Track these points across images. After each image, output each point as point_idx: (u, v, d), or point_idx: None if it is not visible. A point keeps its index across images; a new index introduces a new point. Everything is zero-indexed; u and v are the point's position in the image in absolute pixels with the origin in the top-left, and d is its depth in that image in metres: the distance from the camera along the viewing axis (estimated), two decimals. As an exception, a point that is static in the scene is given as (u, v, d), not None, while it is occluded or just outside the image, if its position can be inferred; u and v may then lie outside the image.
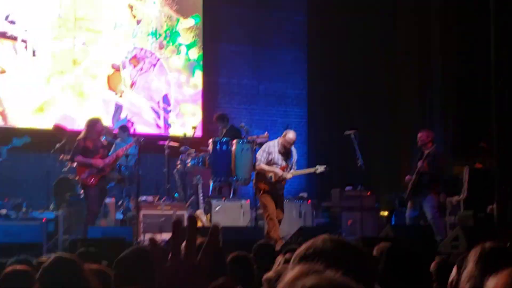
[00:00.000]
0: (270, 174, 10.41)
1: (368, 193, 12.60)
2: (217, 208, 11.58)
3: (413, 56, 14.91)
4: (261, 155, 10.58)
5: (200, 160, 12.83)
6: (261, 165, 10.51)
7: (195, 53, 14.83)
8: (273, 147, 10.47)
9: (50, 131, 12.92)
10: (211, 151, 12.76)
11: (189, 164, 12.78)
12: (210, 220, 11.34)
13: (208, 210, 11.55)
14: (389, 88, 15.34)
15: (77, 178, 10.66)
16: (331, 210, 12.97)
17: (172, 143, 13.23)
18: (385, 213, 13.23)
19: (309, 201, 12.43)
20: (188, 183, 13.10)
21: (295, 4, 16.07)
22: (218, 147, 12.68)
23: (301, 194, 13.34)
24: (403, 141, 12.01)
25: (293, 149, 10.62)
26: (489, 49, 10.23)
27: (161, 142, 13.32)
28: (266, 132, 13.69)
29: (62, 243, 10.58)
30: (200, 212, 11.25)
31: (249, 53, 15.58)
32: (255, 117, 15.46)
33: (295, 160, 10.58)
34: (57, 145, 12.09)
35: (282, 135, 10.58)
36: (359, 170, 10.88)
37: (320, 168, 10.63)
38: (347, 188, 12.92)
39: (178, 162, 12.97)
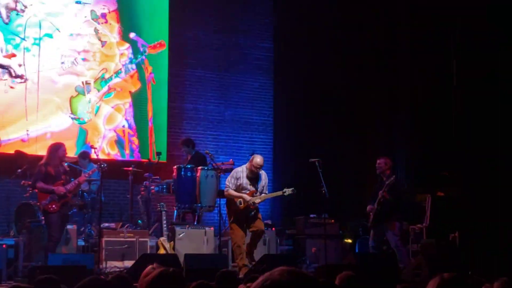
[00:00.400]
0: (239, 200, 10.39)
1: (332, 221, 12.64)
2: (180, 235, 11.50)
3: (378, 83, 15.01)
4: (229, 181, 10.58)
5: (164, 187, 12.78)
6: (230, 191, 10.52)
7: (161, 78, 14.77)
8: (241, 172, 10.47)
9: (11, 156, 12.77)
10: (175, 177, 12.72)
11: (153, 191, 12.73)
12: (174, 248, 11.25)
13: (171, 237, 11.46)
14: (354, 116, 15.43)
15: (38, 204, 10.52)
16: (295, 237, 12.96)
17: (136, 169, 13.17)
18: (349, 241, 13.25)
19: (274, 228, 12.40)
20: (151, 210, 13.02)
21: (261, 31, 16.13)
22: (182, 173, 12.64)
23: (265, 222, 13.28)
24: (368, 169, 12.05)
25: (263, 173, 10.61)
26: (452, 80, 10.40)
27: (125, 168, 13.26)
28: (231, 159, 13.73)
29: (22, 270, 10.43)
30: (163, 239, 11.16)
31: (215, 79, 15.58)
32: (220, 143, 15.44)
33: (265, 183, 10.56)
34: (18, 170, 11.95)
35: (249, 160, 10.58)
36: (323, 198, 10.88)
37: (288, 191, 10.61)
38: (311, 215, 12.93)
39: (142, 188, 12.90)
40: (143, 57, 14.55)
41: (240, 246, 10.38)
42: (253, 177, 10.42)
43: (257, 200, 10.41)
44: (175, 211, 12.94)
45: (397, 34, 14.91)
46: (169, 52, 14.82)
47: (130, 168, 13.07)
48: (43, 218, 10.61)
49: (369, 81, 15.18)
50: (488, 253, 9.74)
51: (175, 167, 13.04)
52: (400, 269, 10.17)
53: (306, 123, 15.60)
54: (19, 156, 12.49)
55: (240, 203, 10.36)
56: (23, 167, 11.95)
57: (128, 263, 10.66)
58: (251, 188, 10.43)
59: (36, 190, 10.32)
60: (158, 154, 13.25)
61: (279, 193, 10.75)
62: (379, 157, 11.39)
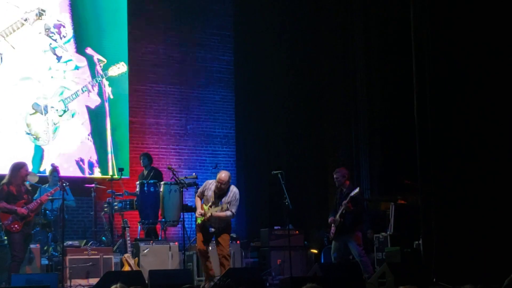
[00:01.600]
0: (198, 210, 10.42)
1: (297, 232, 12.65)
2: (145, 251, 11.47)
3: (338, 94, 15.13)
4: (199, 189, 10.64)
5: (127, 203, 12.73)
6: (196, 198, 10.59)
7: (121, 93, 14.71)
8: (210, 184, 10.42)
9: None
10: (138, 193, 12.68)
11: (116, 207, 12.66)
12: (138, 264, 11.21)
13: (136, 254, 11.42)
14: (315, 126, 15.52)
15: (0, 224, 10.41)
16: (260, 249, 12.97)
17: (98, 186, 13.11)
18: (315, 251, 13.30)
19: (238, 241, 12.40)
20: (115, 226, 12.96)
21: (221, 44, 16.16)
22: (145, 188, 12.62)
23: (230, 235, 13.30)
24: (330, 179, 12.12)
25: (232, 190, 10.37)
26: (413, 87, 10.51)
27: (87, 185, 13.19)
28: (194, 173, 13.73)
29: (-15, 291, 10.32)
30: (127, 256, 11.11)
31: (176, 93, 15.56)
32: (183, 157, 15.42)
33: (232, 201, 10.27)
34: (-20, 191, 11.80)
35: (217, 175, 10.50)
36: (287, 209, 10.92)
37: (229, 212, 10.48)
38: (276, 227, 12.95)
39: (106, 205, 12.83)
40: (102, 77, 14.48)
41: (202, 255, 10.40)
42: (220, 193, 10.35)
43: (208, 214, 10.26)
44: (139, 227, 12.91)
45: (354, 42, 15.03)
46: (128, 67, 14.78)
47: (93, 185, 13.00)
48: (5, 238, 10.49)
49: (329, 92, 15.30)
50: (453, 260, 9.84)
51: (138, 182, 13.01)
52: (365, 279, 10.23)
53: (269, 135, 15.66)
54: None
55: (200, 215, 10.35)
56: (-16, 187, 11.81)
57: (93, 281, 10.61)
58: (213, 201, 10.33)
59: (-2, 210, 10.20)
60: (121, 170, 13.18)
61: (222, 214, 10.51)
62: (336, 171, 11.46)
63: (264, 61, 15.77)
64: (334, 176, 11.39)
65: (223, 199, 10.29)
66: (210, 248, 10.70)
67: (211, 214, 10.22)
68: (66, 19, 14.35)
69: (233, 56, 16.22)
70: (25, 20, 13.77)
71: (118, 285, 4.18)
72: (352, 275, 9.98)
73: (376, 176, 14.29)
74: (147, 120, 15.18)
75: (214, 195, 10.31)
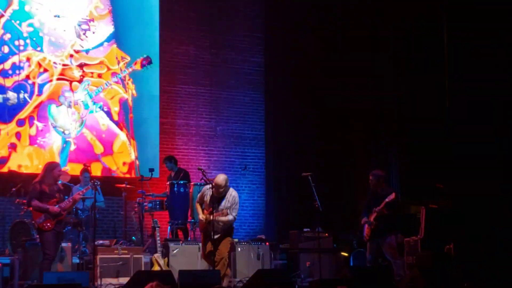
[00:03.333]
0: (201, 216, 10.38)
1: (326, 234, 12.62)
2: (174, 252, 11.50)
3: (368, 96, 15.07)
4: (199, 194, 10.57)
5: (157, 203, 12.80)
6: (196, 204, 10.56)
7: (152, 94, 14.81)
8: (208, 189, 10.38)
9: (6, 175, 12.78)
10: (168, 193, 12.75)
11: (146, 207, 12.73)
12: (168, 264, 11.25)
13: (165, 254, 11.47)
14: (344, 128, 15.48)
15: (33, 222, 10.51)
16: (289, 252, 12.94)
17: (129, 186, 13.20)
18: (345, 254, 13.24)
19: (267, 243, 12.39)
20: (145, 226, 13.04)
21: (252, 45, 16.19)
22: (175, 189, 12.69)
23: (259, 236, 13.31)
24: (360, 181, 12.09)
25: (231, 193, 10.32)
26: (443, 94, 10.46)
27: (117, 185, 13.29)
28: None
29: (18, 288, 10.44)
30: (157, 256, 11.16)
31: (206, 94, 15.62)
32: (213, 158, 15.46)
33: (232, 205, 10.24)
34: (13, 189, 11.95)
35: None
36: (317, 211, 10.90)
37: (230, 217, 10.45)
38: (305, 229, 12.93)
39: (136, 205, 12.91)
40: (127, 72, 14.59)
41: (207, 257, 10.42)
42: (217, 197, 10.29)
43: (207, 218, 10.22)
44: (169, 227, 12.96)
45: (383, 42, 14.98)
46: (159, 68, 14.87)
47: (123, 185, 13.10)
48: (37, 236, 10.60)
49: (359, 94, 15.23)
50: (483, 265, 9.77)
51: (168, 183, 13.08)
52: (396, 282, 10.18)
53: (299, 137, 15.64)
54: (13, 174, 12.52)
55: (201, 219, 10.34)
56: (17, 185, 11.97)
57: (123, 280, 10.67)
58: (211, 206, 10.27)
59: (31, 209, 10.30)
60: (151, 170, 13.25)
61: (225, 219, 10.47)
62: (372, 173, 11.41)
63: (294, 62, 15.75)
64: (370, 177, 11.33)
65: (222, 203, 10.25)
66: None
67: (214, 219, 10.15)
68: (103, 16, 14.49)
69: (263, 57, 16.23)
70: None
71: (154, 283, 4.19)
72: (382, 278, 9.94)
73: (406, 179, 14.20)
74: (177, 121, 15.25)
75: (212, 199, 10.26)
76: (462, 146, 10.37)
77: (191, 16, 15.57)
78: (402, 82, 14.57)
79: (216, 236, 10.28)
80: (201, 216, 10.35)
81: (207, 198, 10.33)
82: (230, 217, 10.27)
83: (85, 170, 12.69)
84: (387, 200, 10.81)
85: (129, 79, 14.64)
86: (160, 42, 14.99)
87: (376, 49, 15.10)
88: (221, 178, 10.25)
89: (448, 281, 9.37)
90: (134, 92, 14.65)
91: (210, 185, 10.33)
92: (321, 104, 15.57)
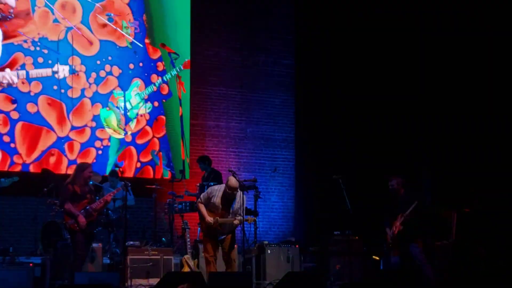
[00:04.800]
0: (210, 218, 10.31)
1: (356, 238, 12.55)
2: (204, 253, 11.50)
3: (399, 98, 14.97)
4: (202, 195, 10.48)
5: (187, 204, 12.83)
6: (200, 205, 10.37)
7: (183, 95, 14.89)
8: (217, 191, 10.31)
9: (38, 175, 12.89)
10: (198, 195, 12.74)
11: (176, 209, 12.77)
12: (198, 265, 11.27)
13: (195, 255, 11.48)
14: (377, 132, 15.39)
15: (64, 223, 10.58)
16: (319, 254, 12.89)
17: (159, 187, 13.25)
18: (377, 258, 13.16)
19: (297, 245, 12.36)
20: (175, 228, 13.07)
21: (283, 47, 16.18)
22: (205, 190, 12.68)
23: (288, 239, 13.29)
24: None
25: (240, 194, 10.25)
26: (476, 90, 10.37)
27: (148, 186, 13.34)
28: (254, 176, 13.75)
29: (49, 288, 10.53)
30: (187, 257, 11.18)
31: (236, 96, 15.64)
32: (242, 160, 15.47)
33: (240, 206, 10.23)
34: (45, 189, 12.06)
35: (226, 182, 10.41)
36: (347, 214, 10.85)
37: (250, 219, 10.38)
38: (335, 232, 12.88)
39: (166, 206, 12.96)
40: (177, 71, 14.72)
41: (210, 262, 10.29)
42: (227, 199, 10.25)
43: (213, 221, 10.17)
44: (199, 228, 12.97)
45: (418, 43, 14.88)
46: (190, 69, 14.92)
47: (154, 186, 13.16)
48: (69, 236, 10.68)
49: (392, 97, 15.14)
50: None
51: (198, 184, 13.11)
52: (424, 286, 10.11)
53: (329, 139, 15.58)
54: (46, 174, 12.61)
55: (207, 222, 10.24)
56: (49, 185, 12.07)
57: (153, 281, 10.69)
58: (222, 209, 10.23)
59: (63, 210, 10.38)
60: (181, 171, 13.30)
61: (238, 222, 10.47)
62: (391, 179, 11.34)
63: (324, 65, 15.70)
64: (389, 183, 11.28)
65: (234, 205, 10.20)
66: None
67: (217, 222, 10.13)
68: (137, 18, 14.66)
69: (294, 60, 16.20)
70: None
71: (185, 286, 4.19)
72: (411, 281, 9.88)
73: (438, 183, 14.10)
74: (207, 122, 15.28)
75: (222, 201, 10.23)
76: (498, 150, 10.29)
77: (222, 18, 15.60)
78: (433, 84, 14.47)
79: (222, 237, 10.30)
80: (210, 219, 10.24)
81: (216, 200, 10.27)
82: (240, 218, 10.23)
83: (112, 174, 12.76)
84: (410, 209, 10.73)
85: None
86: (191, 44, 15.03)
87: (409, 48, 14.97)
88: (234, 180, 10.18)
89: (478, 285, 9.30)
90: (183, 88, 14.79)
91: (220, 187, 10.31)
92: (352, 107, 15.49)
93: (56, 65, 13.69)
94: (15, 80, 13.39)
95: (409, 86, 14.91)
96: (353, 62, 15.52)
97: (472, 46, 12.74)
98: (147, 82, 14.56)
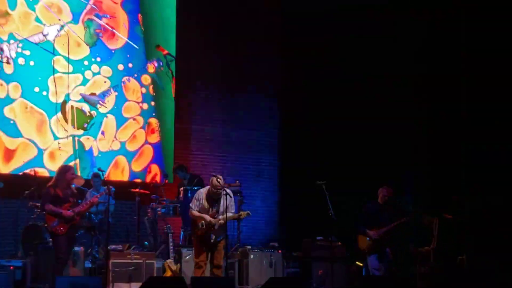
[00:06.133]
0: (201, 222, 10.23)
1: (339, 243, 12.57)
2: (187, 257, 11.49)
3: (385, 107, 14.99)
4: (193, 202, 10.39)
5: (170, 209, 12.81)
6: (193, 211, 10.29)
7: (168, 100, 14.88)
8: (202, 194, 10.32)
9: (20, 177, 12.81)
10: (182, 199, 12.74)
11: (159, 213, 12.75)
12: (180, 270, 11.24)
13: (178, 260, 11.46)
14: (361, 138, 15.40)
15: (45, 226, 10.53)
16: (302, 260, 12.89)
17: (143, 191, 13.21)
18: (361, 264, 13.16)
19: (280, 251, 12.36)
20: (158, 232, 13.03)
21: (269, 52, 16.14)
22: (189, 195, 12.65)
23: (272, 244, 13.27)
24: (375, 191, 12.03)
25: (228, 193, 10.21)
26: (459, 105, 10.43)
27: (131, 190, 13.29)
28: (237, 181, 13.74)
29: (30, 292, 10.47)
30: (170, 262, 11.16)
31: (221, 100, 15.61)
32: (227, 165, 15.45)
33: (229, 203, 10.16)
34: (26, 192, 11.99)
35: (209, 182, 10.39)
36: (331, 220, 10.87)
37: (243, 214, 10.45)
38: (318, 238, 12.88)
39: (149, 210, 12.93)
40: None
41: (201, 267, 10.19)
42: (213, 199, 10.24)
43: (215, 221, 10.16)
44: (182, 233, 12.95)
45: (403, 52, 14.92)
46: (176, 73, 14.89)
47: (137, 190, 13.11)
48: (50, 239, 10.62)
49: (377, 103, 15.16)
50: (496, 276, 9.72)
51: (182, 189, 13.07)
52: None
53: (313, 145, 15.57)
54: (27, 177, 12.55)
55: (202, 225, 10.18)
56: (30, 188, 12.00)
57: (135, 285, 10.67)
58: (211, 210, 10.25)
59: (45, 212, 10.33)
60: (165, 176, 13.27)
61: (235, 216, 10.49)
62: (381, 186, 11.66)
63: (311, 71, 15.69)
64: (379, 191, 11.42)
65: (221, 203, 10.18)
66: None
67: (221, 223, 10.11)
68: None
69: (280, 65, 16.18)
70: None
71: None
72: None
73: (420, 190, 14.15)
74: (192, 126, 15.25)
75: (208, 203, 10.22)
76: (479, 158, 10.34)
77: (208, 22, 15.54)
78: (421, 91, 14.51)
79: (219, 239, 10.22)
80: (210, 219, 10.21)
81: (203, 202, 10.24)
82: (233, 210, 10.30)
83: (94, 176, 12.70)
84: (402, 220, 10.95)
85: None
86: (176, 47, 15.01)
87: (396, 57, 15.00)
88: (216, 179, 10.15)
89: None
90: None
91: (204, 190, 10.32)
92: (338, 113, 15.49)
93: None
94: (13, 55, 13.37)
95: (395, 93, 14.93)
96: (339, 67, 15.52)
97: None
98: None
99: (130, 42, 14.49)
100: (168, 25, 15.03)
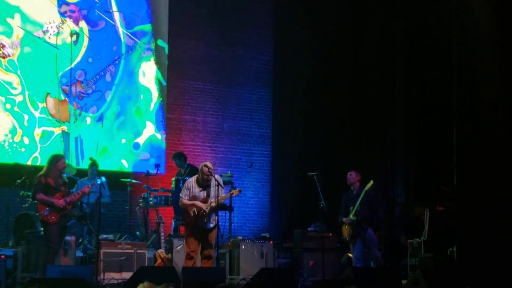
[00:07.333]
0: (193, 209, 10.22)
1: (330, 234, 12.59)
2: (178, 248, 11.49)
3: (375, 98, 15.03)
4: (182, 192, 10.38)
5: (162, 199, 12.81)
6: (183, 200, 10.28)
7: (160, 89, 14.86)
8: (191, 182, 10.30)
9: (11, 166, 12.79)
10: (173, 189, 12.73)
11: (151, 203, 12.74)
12: (171, 260, 11.25)
13: (169, 250, 11.47)
14: (352, 130, 15.45)
15: (37, 215, 10.52)
16: (293, 250, 12.91)
17: (134, 181, 13.21)
18: (350, 255, 13.21)
19: (271, 241, 12.37)
20: (149, 222, 13.03)
21: (261, 43, 16.17)
22: (181, 185, 12.63)
23: (263, 235, 13.31)
24: (366, 182, 12.06)
25: (216, 178, 10.24)
26: (452, 95, 10.43)
27: (123, 179, 13.29)
28: (230, 171, 13.75)
29: (21, 281, 10.43)
30: (161, 251, 11.17)
31: (214, 91, 15.60)
32: (219, 155, 15.45)
33: (218, 186, 10.16)
34: (18, 181, 11.96)
35: (199, 171, 10.39)
36: (322, 211, 10.90)
37: (235, 192, 10.48)
38: (309, 229, 12.91)
39: (140, 200, 12.92)
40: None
41: (193, 258, 10.18)
42: (204, 185, 10.24)
43: (209, 206, 10.15)
44: (173, 223, 12.95)
45: (393, 46, 14.94)
46: (168, 63, 14.88)
47: (129, 180, 13.11)
48: (42, 229, 10.61)
49: (366, 95, 15.20)
50: (487, 268, 9.75)
51: (173, 179, 13.07)
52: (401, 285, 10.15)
53: (305, 136, 15.61)
54: (18, 166, 12.53)
55: (194, 213, 10.19)
56: (22, 177, 11.98)
57: (126, 275, 10.65)
58: (202, 195, 10.24)
59: (36, 201, 10.31)
60: (157, 166, 13.26)
61: (228, 195, 10.53)
62: (349, 171, 11.81)
63: (303, 61, 15.71)
64: (347, 175, 11.77)
65: (211, 189, 10.19)
66: None
67: (213, 205, 10.12)
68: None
69: (272, 55, 16.20)
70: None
71: (145, 283, 4.15)
72: (386, 279, 9.91)
73: (411, 181, 14.19)
74: (184, 116, 15.23)
75: (199, 188, 10.22)
76: (470, 148, 10.35)
77: (201, 12, 15.54)
78: (411, 84, 14.53)
79: (211, 226, 10.20)
80: (202, 205, 10.19)
81: (194, 189, 10.24)
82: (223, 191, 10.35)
83: (93, 164, 12.67)
84: (355, 191, 11.48)
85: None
86: (169, 37, 14.98)
87: (386, 50, 15.03)
88: (205, 165, 10.16)
89: (450, 284, 9.35)
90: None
91: (193, 178, 10.32)
92: (329, 104, 15.53)
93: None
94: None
95: (386, 85, 14.96)
96: (331, 58, 15.55)
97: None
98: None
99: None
100: (160, 14, 14.98)
